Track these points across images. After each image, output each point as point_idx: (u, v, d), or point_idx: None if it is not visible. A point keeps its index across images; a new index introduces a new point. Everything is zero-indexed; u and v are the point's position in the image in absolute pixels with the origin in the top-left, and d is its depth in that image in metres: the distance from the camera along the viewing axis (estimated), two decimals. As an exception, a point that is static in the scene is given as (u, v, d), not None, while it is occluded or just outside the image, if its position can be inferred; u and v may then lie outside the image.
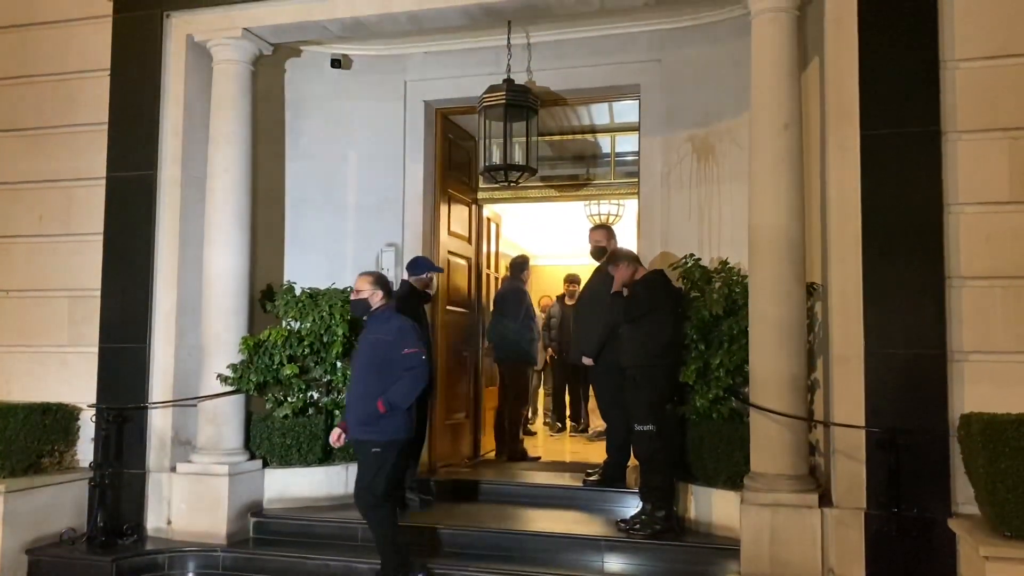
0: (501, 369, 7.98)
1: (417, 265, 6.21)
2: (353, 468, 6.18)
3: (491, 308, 8.18)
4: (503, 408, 7.94)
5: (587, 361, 6.32)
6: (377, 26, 6.05)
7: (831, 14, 5.03)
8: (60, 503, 5.72)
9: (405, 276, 6.29)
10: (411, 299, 6.07)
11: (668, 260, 6.03)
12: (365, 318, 5.07)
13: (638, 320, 5.38)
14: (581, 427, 9.82)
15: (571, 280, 9.89)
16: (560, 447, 9.09)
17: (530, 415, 9.70)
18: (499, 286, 8.43)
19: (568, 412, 10.41)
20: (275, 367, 6.01)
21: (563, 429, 10.10)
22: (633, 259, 5.72)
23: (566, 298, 9.84)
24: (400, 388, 4.76)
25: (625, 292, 5.58)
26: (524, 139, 6.44)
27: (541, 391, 10.81)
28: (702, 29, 6.19)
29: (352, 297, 5.09)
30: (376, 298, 4.97)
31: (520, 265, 8.22)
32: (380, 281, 5.04)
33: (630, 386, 5.41)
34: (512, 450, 7.73)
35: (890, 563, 4.56)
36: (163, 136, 6.10)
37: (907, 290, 4.74)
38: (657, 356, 5.36)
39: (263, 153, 6.54)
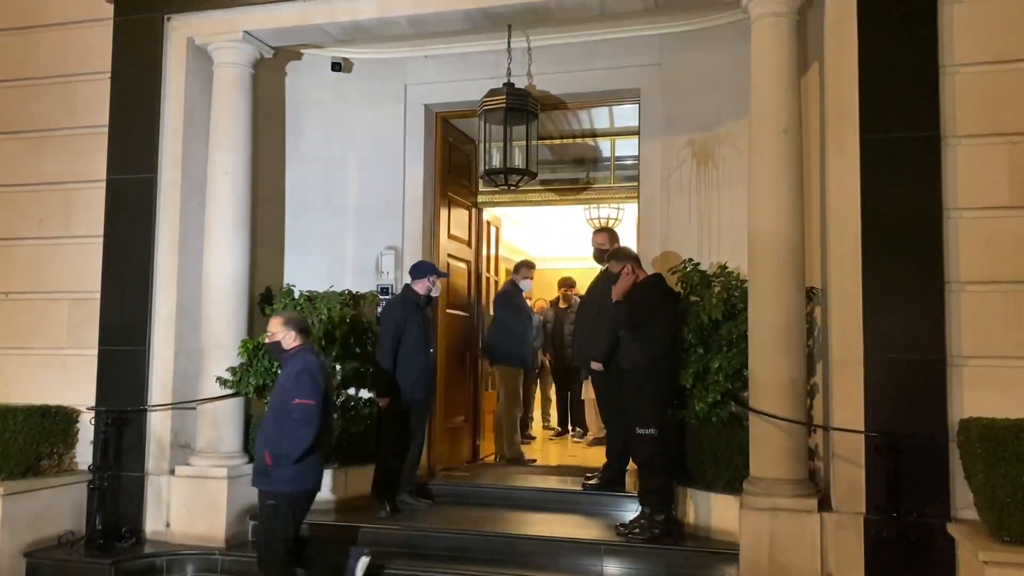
0: (496, 372, 7.98)
1: (419, 270, 6.21)
2: (353, 471, 6.25)
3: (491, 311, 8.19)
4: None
5: (596, 366, 6.30)
6: (377, 29, 6.06)
7: (831, 18, 5.04)
8: (59, 506, 5.71)
9: (408, 280, 6.30)
10: (411, 303, 6.08)
11: (668, 263, 6.03)
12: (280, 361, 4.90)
13: (640, 326, 5.38)
14: (579, 431, 9.78)
15: (566, 284, 9.87)
16: (560, 451, 9.08)
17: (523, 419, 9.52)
18: (499, 289, 8.42)
19: (561, 417, 10.36)
20: (274, 370, 5.99)
21: (563, 433, 10.07)
22: (634, 259, 5.72)
23: (560, 301, 9.82)
24: (286, 440, 4.50)
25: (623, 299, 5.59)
26: (524, 143, 6.45)
27: (539, 395, 10.74)
28: (702, 33, 6.20)
29: (266, 340, 4.91)
30: (289, 339, 4.76)
31: (516, 267, 8.21)
32: (292, 321, 4.83)
33: (631, 389, 5.40)
34: (509, 453, 7.72)
35: (889, 568, 4.56)
36: (163, 139, 6.10)
37: (907, 294, 4.75)
38: (658, 359, 5.36)
39: (263, 156, 6.54)
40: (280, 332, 4.78)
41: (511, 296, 7.99)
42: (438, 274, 6.32)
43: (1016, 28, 4.81)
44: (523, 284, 8.09)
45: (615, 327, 5.92)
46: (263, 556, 4.72)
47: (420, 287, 6.13)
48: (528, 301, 9.41)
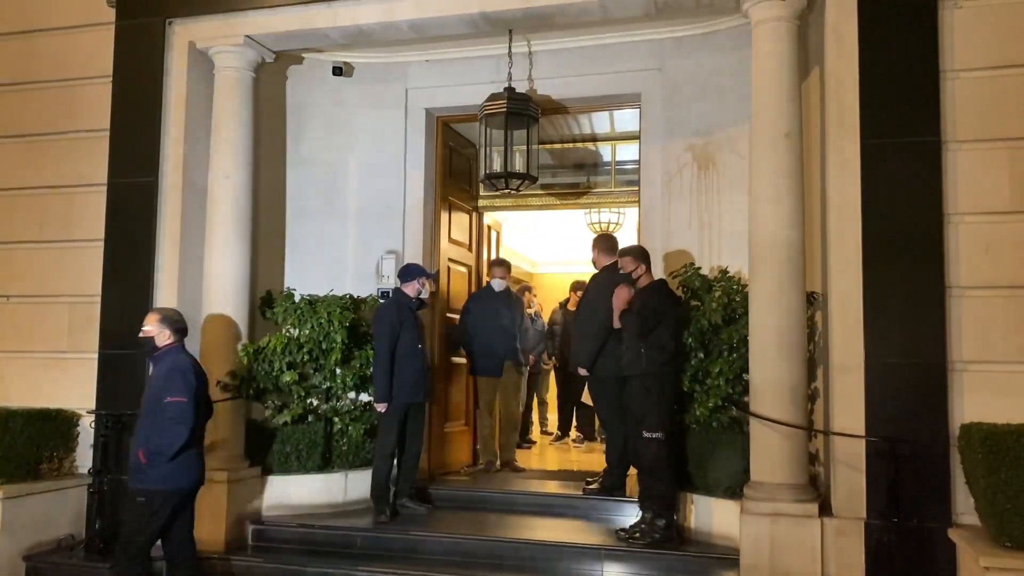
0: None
1: (408, 272, 6.19)
2: (353, 475, 6.23)
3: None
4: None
5: (582, 371, 6.32)
6: (379, 34, 6.07)
7: (831, 23, 5.05)
8: (59, 509, 5.71)
9: (397, 283, 6.29)
10: (404, 307, 6.06)
11: (669, 267, 6.04)
12: (150, 358, 4.82)
13: (652, 332, 5.37)
14: (580, 436, 9.74)
15: (580, 287, 9.81)
16: (560, 456, 9.07)
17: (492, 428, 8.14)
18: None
19: (561, 421, 10.31)
20: (274, 374, 6.01)
21: (562, 437, 10.05)
22: (647, 260, 5.71)
23: (570, 304, 9.78)
24: (158, 438, 4.45)
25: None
26: (525, 147, 6.45)
27: (534, 401, 10.67)
28: (703, 38, 6.21)
29: (140, 335, 4.83)
30: (163, 337, 4.68)
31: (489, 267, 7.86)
32: (168, 320, 4.73)
33: (640, 394, 5.37)
34: (482, 458, 7.55)
35: (890, 573, 4.55)
36: (164, 142, 6.11)
37: (907, 299, 4.74)
38: (665, 364, 5.37)
39: (264, 160, 6.55)
40: (154, 329, 4.69)
41: (481, 298, 7.55)
42: (427, 275, 6.28)
43: (1016, 34, 4.81)
44: (494, 284, 7.54)
45: (601, 332, 5.95)
46: (118, 552, 4.66)
47: (410, 289, 6.11)
48: (530, 308, 9.35)
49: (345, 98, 7.02)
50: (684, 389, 5.44)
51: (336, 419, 6.23)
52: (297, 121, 6.95)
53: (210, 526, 5.64)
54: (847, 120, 4.95)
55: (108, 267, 6.10)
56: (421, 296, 6.18)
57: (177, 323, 4.78)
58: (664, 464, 5.27)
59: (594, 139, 8.37)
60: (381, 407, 5.92)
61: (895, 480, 4.54)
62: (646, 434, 5.29)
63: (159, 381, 4.58)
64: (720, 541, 5.23)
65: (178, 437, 4.46)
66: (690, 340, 5.49)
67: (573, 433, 9.88)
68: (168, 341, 4.70)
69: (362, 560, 5.39)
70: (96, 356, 6.04)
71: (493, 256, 8.51)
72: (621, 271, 5.71)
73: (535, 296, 10.27)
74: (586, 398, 6.72)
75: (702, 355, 5.46)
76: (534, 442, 9.75)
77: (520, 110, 6.33)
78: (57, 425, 5.87)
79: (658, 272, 6.07)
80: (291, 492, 6.09)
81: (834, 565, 4.70)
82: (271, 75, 6.66)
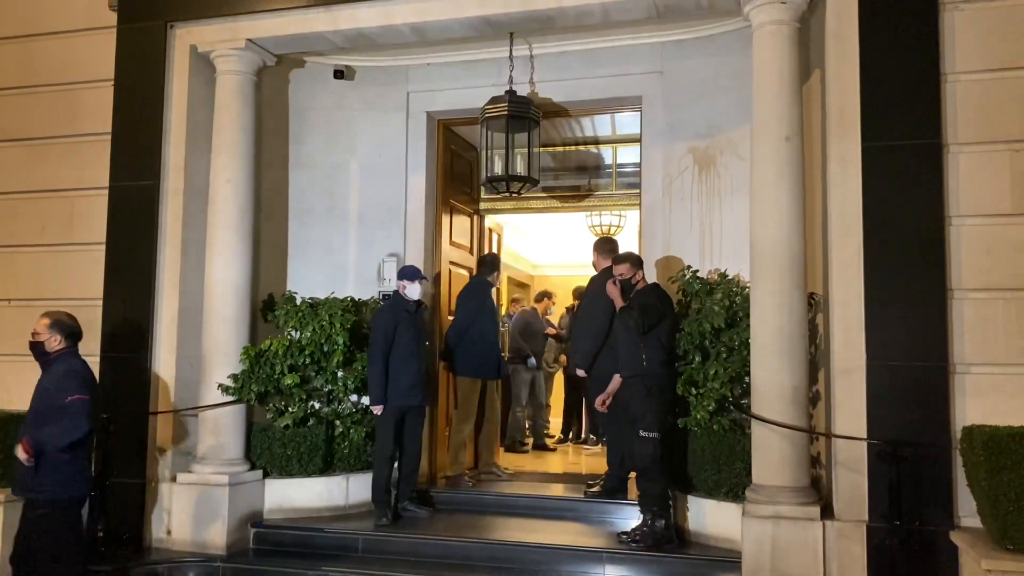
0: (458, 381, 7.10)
1: (403, 274, 6.20)
2: (354, 478, 6.23)
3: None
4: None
5: (580, 373, 6.33)
6: (380, 37, 6.08)
7: (832, 26, 5.05)
8: (60, 513, 5.70)
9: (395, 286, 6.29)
10: (400, 309, 6.05)
11: (670, 270, 6.04)
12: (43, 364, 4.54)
13: (653, 329, 5.37)
14: (592, 439, 9.68)
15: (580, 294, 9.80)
16: (562, 459, 9.05)
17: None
18: (500, 296, 8.32)
19: (565, 424, 10.28)
20: (276, 377, 6.01)
21: (564, 440, 10.03)
22: (637, 263, 5.73)
23: (575, 309, 9.74)
24: (50, 429, 4.19)
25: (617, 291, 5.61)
26: (526, 150, 6.45)
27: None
28: (704, 41, 6.22)
29: (30, 339, 4.56)
30: (54, 342, 4.45)
31: (484, 264, 7.41)
32: (59, 324, 4.50)
33: (639, 394, 5.37)
34: (451, 471, 6.83)
35: (892, 576, 4.55)
36: (166, 146, 6.13)
37: (909, 302, 4.74)
38: (665, 364, 5.40)
39: (266, 163, 6.56)
40: (44, 334, 4.47)
41: (482, 290, 7.10)
42: (412, 277, 6.10)
43: (1017, 36, 4.82)
44: (494, 280, 7.26)
45: (598, 334, 5.95)
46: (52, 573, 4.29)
47: (401, 289, 6.10)
48: (548, 315, 9.31)
49: (346, 101, 7.03)
50: (685, 393, 5.42)
51: (337, 422, 6.23)
52: (299, 124, 6.95)
53: (211, 529, 5.66)
54: (848, 122, 4.95)
55: (109, 270, 6.11)
56: (408, 296, 6.06)
57: (68, 328, 4.56)
58: (658, 464, 5.27)
59: (595, 142, 8.38)
60: (376, 409, 5.92)
61: (897, 483, 4.53)
62: (643, 433, 5.29)
63: (52, 384, 4.36)
64: (721, 544, 5.22)
65: (77, 430, 4.20)
66: (683, 343, 5.49)
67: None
68: (59, 347, 4.49)
69: (363, 563, 5.39)
70: (98, 359, 6.02)
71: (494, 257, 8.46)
72: (619, 278, 5.70)
73: (554, 303, 10.24)
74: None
75: (699, 358, 5.45)
76: (553, 449, 9.38)
77: (521, 113, 6.33)
78: (59, 428, 5.85)
79: (659, 274, 6.08)
80: (292, 495, 6.09)
81: (836, 568, 4.70)
82: (273, 78, 6.67)
